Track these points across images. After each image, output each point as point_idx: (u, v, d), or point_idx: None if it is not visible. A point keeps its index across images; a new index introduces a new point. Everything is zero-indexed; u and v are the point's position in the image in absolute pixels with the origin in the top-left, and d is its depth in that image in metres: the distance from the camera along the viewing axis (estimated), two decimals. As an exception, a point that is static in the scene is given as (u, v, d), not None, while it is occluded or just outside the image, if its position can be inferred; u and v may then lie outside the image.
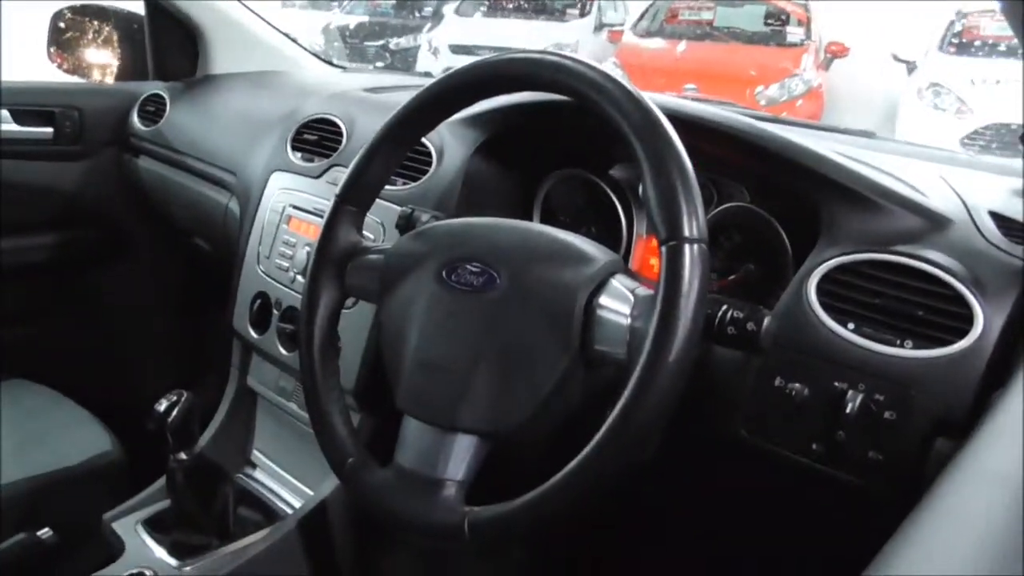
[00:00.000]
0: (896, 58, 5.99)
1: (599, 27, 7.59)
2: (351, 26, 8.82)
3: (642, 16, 7.01)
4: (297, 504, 1.16)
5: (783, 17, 6.74)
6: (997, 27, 5.86)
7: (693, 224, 0.62)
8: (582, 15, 7.72)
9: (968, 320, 0.70)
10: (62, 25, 1.74)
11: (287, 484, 1.22)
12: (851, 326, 0.74)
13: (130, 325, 1.72)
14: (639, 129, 0.65)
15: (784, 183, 0.87)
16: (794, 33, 6.53)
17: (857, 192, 0.81)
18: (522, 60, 0.73)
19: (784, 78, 5.75)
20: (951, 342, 0.70)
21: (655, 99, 0.69)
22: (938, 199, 0.82)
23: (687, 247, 0.61)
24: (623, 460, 0.61)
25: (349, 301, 0.87)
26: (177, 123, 1.55)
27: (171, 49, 1.69)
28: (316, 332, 0.81)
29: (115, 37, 1.79)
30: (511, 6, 8.15)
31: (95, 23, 1.78)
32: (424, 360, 0.74)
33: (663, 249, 0.62)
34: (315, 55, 1.79)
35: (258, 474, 1.26)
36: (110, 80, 1.77)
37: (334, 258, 0.82)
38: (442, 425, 0.71)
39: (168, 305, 1.78)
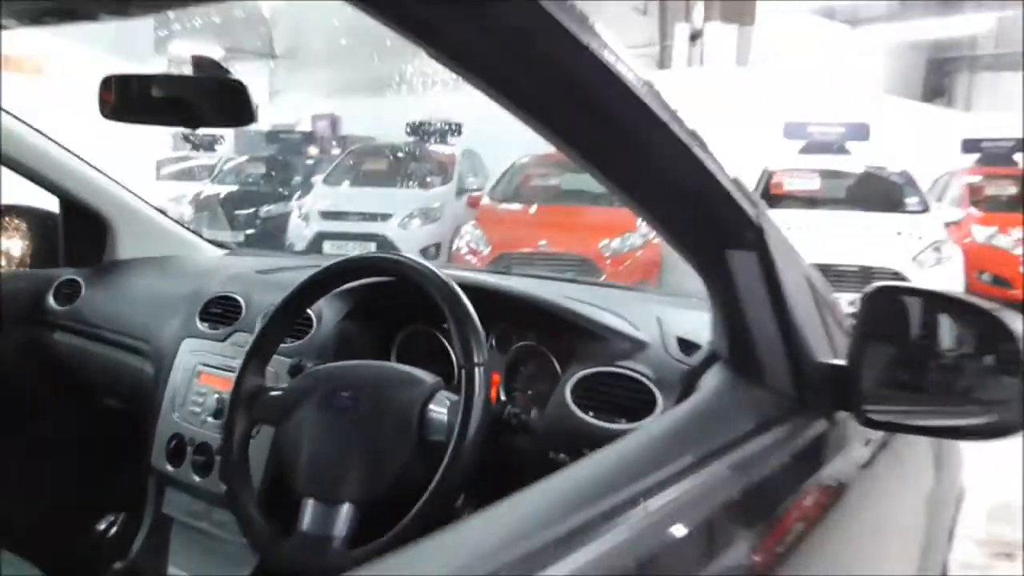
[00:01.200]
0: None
1: (460, 192, 8.24)
2: (222, 195, 9.20)
3: (498, 182, 7.67)
4: None
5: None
6: (796, 183, 7.11)
7: (476, 354, 1.03)
8: (443, 183, 8.36)
9: (654, 404, 1.13)
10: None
11: None
12: (591, 413, 1.14)
13: (44, 482, 1.89)
14: (445, 299, 1.08)
15: (548, 327, 1.30)
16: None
17: (592, 332, 1.24)
18: (374, 259, 1.18)
19: (625, 232, 6.48)
20: (644, 417, 1.11)
21: (457, 275, 1.12)
22: (646, 330, 1.24)
23: (474, 370, 1.02)
24: (442, 508, 0.99)
25: (254, 431, 1.21)
26: (92, 302, 1.82)
27: (81, 239, 2.00)
28: (235, 453, 1.15)
29: (30, 233, 2.09)
30: (376, 177, 8.64)
31: (13, 220, 2.07)
32: (314, 459, 1.09)
33: (462, 372, 1.03)
34: (205, 239, 2.14)
35: None
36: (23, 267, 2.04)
37: (245, 398, 1.18)
38: (328, 500, 1.05)
39: (80, 460, 1.97)
